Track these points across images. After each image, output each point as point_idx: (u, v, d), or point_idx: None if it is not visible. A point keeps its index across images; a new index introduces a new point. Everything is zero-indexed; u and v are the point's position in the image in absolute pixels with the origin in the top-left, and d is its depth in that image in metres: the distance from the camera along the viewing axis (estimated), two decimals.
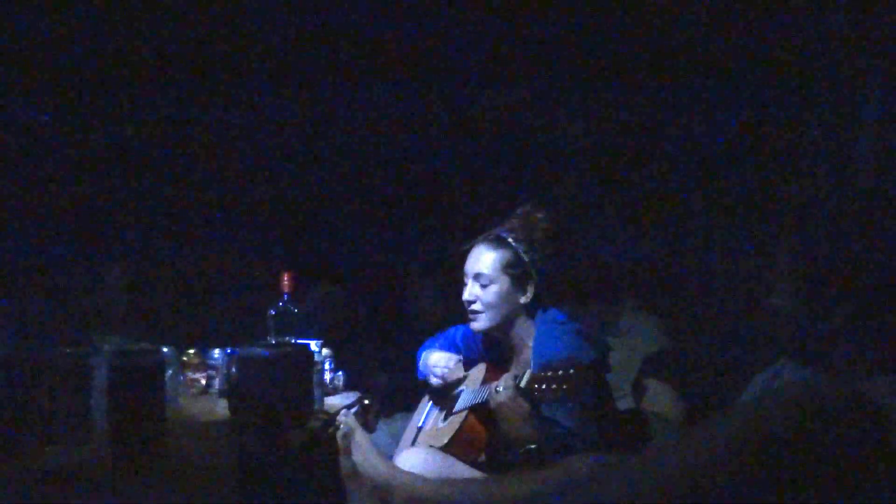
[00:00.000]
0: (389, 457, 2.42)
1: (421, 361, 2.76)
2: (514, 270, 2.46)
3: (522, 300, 2.47)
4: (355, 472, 2.27)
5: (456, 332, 2.81)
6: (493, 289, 2.46)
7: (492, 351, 2.64)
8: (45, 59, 3.85)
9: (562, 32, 3.95)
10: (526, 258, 2.46)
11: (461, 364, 2.66)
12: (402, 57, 4.19)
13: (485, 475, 2.33)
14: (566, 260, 2.64)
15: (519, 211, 2.54)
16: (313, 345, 2.50)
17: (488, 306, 2.47)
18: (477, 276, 2.49)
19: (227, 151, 4.37)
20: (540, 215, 2.51)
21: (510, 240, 2.48)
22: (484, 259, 2.48)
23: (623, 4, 3.82)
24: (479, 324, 2.51)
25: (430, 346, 2.82)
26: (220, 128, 4.31)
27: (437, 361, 2.68)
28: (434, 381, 2.66)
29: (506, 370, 2.49)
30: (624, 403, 2.87)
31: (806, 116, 3.52)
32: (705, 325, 3.62)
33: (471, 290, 2.50)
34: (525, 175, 4.22)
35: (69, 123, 3.97)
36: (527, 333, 2.49)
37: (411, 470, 2.26)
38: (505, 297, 2.47)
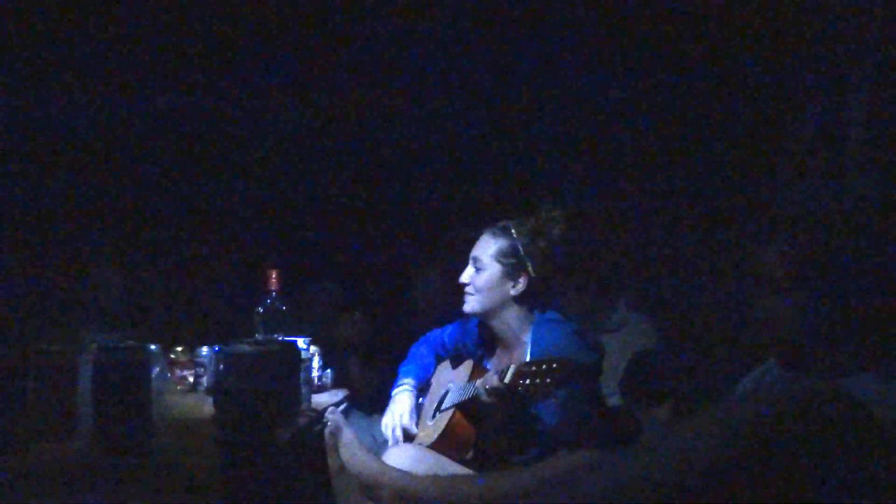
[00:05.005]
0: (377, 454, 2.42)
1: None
2: (508, 260, 2.51)
3: (512, 291, 2.50)
4: (343, 469, 2.27)
5: (443, 332, 2.84)
6: (485, 275, 2.52)
7: (482, 347, 2.65)
8: (42, 57, 3.84)
9: (562, 33, 3.96)
10: (522, 251, 2.50)
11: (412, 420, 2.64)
12: (394, 55, 4.19)
13: (473, 472, 2.33)
14: (565, 260, 2.66)
15: (540, 207, 2.57)
16: (301, 342, 2.49)
17: (477, 290, 2.54)
18: (474, 260, 2.56)
19: (215, 149, 4.36)
20: (556, 214, 2.54)
21: (512, 231, 2.53)
22: (482, 245, 2.55)
23: (620, 4, 3.83)
24: (468, 306, 2.57)
25: (418, 347, 2.86)
26: (209, 126, 4.30)
27: (387, 423, 2.65)
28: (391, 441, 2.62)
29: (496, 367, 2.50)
30: (613, 400, 2.87)
31: (796, 118, 3.53)
32: (696, 324, 3.63)
33: (467, 272, 2.57)
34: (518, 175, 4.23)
35: (61, 120, 3.96)
36: (520, 329, 2.51)
37: (399, 467, 2.26)
38: (495, 285, 2.52)
